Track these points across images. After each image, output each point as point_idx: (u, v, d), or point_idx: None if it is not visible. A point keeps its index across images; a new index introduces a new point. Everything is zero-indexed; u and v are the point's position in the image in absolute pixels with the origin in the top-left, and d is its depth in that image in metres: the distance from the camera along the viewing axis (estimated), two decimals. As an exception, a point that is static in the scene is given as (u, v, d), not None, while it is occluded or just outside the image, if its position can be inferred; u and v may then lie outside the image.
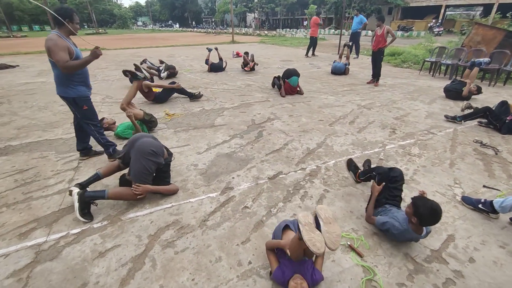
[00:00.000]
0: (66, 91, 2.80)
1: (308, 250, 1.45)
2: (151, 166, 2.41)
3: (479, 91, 5.32)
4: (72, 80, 2.76)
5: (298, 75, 5.90)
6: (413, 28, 26.46)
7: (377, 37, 6.37)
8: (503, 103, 4.06)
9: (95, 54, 2.64)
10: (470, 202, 2.39)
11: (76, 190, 2.30)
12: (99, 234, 2.13)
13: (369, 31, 24.47)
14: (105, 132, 3.40)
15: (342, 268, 1.82)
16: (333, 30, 29.50)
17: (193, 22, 54.64)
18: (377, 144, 3.59)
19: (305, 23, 39.00)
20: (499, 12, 13.87)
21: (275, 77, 6.46)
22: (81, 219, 2.22)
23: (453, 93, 5.44)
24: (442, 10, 29.78)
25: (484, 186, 2.67)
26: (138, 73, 4.04)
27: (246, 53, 8.52)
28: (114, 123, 3.93)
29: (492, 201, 2.24)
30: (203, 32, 36.93)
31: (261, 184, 2.74)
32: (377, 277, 1.75)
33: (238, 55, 12.14)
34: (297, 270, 1.63)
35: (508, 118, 3.78)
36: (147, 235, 2.11)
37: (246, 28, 39.02)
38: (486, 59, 5.54)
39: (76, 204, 2.22)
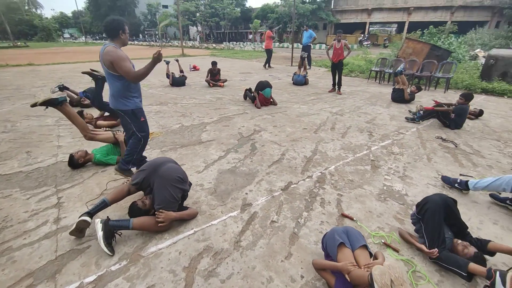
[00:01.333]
0: (125, 104, 2.72)
1: None
2: (178, 194, 2.24)
3: (419, 89, 6.28)
4: (130, 92, 2.72)
5: (270, 86, 6.10)
6: (347, 41, 29.66)
7: (336, 50, 7.02)
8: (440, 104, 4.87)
9: (157, 59, 2.52)
10: (448, 182, 2.89)
11: (97, 219, 2.05)
12: (123, 277, 1.84)
13: (321, 45, 26.63)
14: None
15: (386, 266, 1.93)
16: (277, 44, 31.24)
17: (134, 36, 51.68)
18: (363, 147, 3.92)
19: (250, 36, 40.51)
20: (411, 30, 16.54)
21: (246, 90, 6.54)
22: (106, 250, 1.96)
23: (399, 100, 6.29)
24: (367, 27, 34.29)
25: (460, 175, 3.14)
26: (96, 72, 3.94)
27: (214, 65, 8.35)
28: (86, 152, 3.44)
29: (467, 181, 2.71)
30: (145, 45, 35.25)
31: (277, 197, 2.73)
32: (418, 268, 1.90)
33: (195, 68, 11.94)
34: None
35: (452, 115, 4.54)
36: (181, 268, 1.91)
37: (191, 41, 38.59)
38: (402, 66, 6.53)
39: (100, 233, 1.96)
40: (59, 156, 3.63)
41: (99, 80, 4.27)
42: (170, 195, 2.19)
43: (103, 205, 2.21)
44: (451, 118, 4.58)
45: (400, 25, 34.08)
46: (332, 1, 34.44)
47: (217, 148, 3.88)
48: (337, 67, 7.24)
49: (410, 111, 5.27)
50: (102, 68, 2.72)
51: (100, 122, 4.53)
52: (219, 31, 51.44)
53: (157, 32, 37.31)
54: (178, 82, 8.32)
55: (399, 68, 6.33)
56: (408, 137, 4.30)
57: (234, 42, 34.07)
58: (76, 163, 3.23)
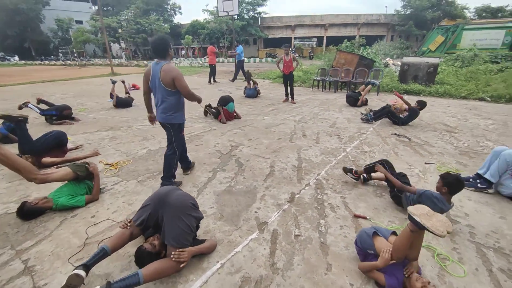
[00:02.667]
0: (175, 118, 2.95)
1: (410, 251, 1.65)
2: (193, 223, 1.96)
3: (366, 102, 7.16)
4: (180, 107, 2.98)
5: (233, 100, 6.06)
6: (277, 55, 31.88)
7: (286, 63, 7.47)
8: (385, 106, 5.66)
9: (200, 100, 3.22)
10: (471, 186, 2.99)
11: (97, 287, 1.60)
12: None
13: (254, 59, 27.73)
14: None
15: (414, 255, 2.09)
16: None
17: (43, 55, 44.59)
18: (339, 149, 4.22)
19: (182, 52, 39.71)
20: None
21: (206, 106, 6.35)
22: None
23: (352, 99, 7.08)
24: (293, 41, 37.57)
25: (425, 163, 3.66)
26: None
27: None
28: (46, 198, 2.76)
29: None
30: (60, 65, 30.81)
31: (287, 210, 2.69)
32: (438, 251, 2.12)
33: (135, 87, 11.00)
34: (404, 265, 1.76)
35: (404, 114, 5.31)
36: (227, 309, 1.68)
37: (116, 59, 35.55)
38: (377, 81, 7.55)
39: None
40: None
41: (20, 123, 3.60)
42: (186, 226, 1.91)
43: (103, 253, 1.80)
44: (400, 116, 5.33)
45: (320, 39, 38.45)
46: (259, 18, 36.66)
47: (201, 169, 3.62)
48: (288, 78, 7.68)
49: (362, 113, 5.92)
50: (153, 83, 2.82)
51: (46, 160, 3.72)
52: (147, 47, 48.93)
53: (74, 50, 33.11)
54: (123, 103, 7.52)
55: (374, 81, 7.24)
56: (370, 136, 4.82)
57: (167, 59, 32.84)
58: (31, 212, 2.57)
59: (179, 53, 45.35)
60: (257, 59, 28.33)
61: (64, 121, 5.95)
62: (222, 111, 5.85)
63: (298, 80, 11.71)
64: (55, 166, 3.32)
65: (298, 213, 2.64)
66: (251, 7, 35.12)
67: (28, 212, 2.54)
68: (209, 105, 6.36)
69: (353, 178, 3.16)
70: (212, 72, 11.93)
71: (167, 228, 1.89)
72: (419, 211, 1.63)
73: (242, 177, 3.38)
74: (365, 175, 3.12)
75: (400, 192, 2.62)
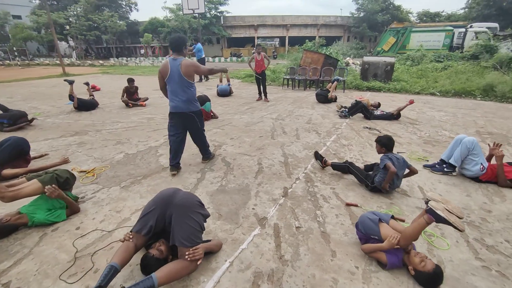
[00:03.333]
0: (196, 106, 3.34)
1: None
2: (201, 221, 1.93)
3: (336, 99, 7.55)
4: (195, 97, 3.36)
5: (210, 100, 5.96)
6: (242, 54, 31.97)
7: (258, 62, 7.55)
8: (358, 102, 6.07)
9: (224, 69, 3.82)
10: (438, 170, 3.39)
11: None
12: None
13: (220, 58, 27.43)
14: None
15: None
16: (175, 58, 30.34)
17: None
18: (319, 144, 4.41)
19: (142, 51, 37.68)
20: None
21: (181, 106, 6.15)
22: None
23: (322, 96, 7.42)
24: (256, 40, 37.92)
25: (397, 153, 4.00)
26: None
27: (130, 82, 7.36)
28: (19, 213, 2.45)
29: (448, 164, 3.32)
30: (-4, 65, 27.08)
31: (284, 204, 2.76)
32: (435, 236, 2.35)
33: (95, 88, 10.20)
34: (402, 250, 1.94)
35: (379, 112, 5.73)
36: (245, 305, 1.69)
37: (67, 58, 32.40)
38: (341, 78, 7.96)
39: None
40: (-41, 227, 2.44)
41: None
42: (196, 224, 1.87)
43: (113, 271, 1.66)
44: (371, 112, 5.75)
45: (282, 39, 39.42)
46: (222, 17, 36.35)
47: (188, 170, 3.52)
48: (260, 77, 7.78)
49: (337, 110, 6.24)
50: (172, 77, 3.10)
51: (6, 172, 3.29)
52: (100, 46, 45.48)
53: (14, 49, 29.33)
54: (86, 105, 6.93)
55: (338, 77, 7.60)
56: (345, 130, 5.12)
57: (125, 58, 30.92)
58: (3, 230, 2.27)
59: (137, 52, 42.97)
60: (222, 59, 28.09)
61: (19, 126, 5.30)
62: (199, 111, 5.71)
63: (267, 79, 11.90)
64: (20, 177, 2.97)
65: (294, 206, 2.72)
66: (213, 6, 34.66)
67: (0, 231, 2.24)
68: (184, 105, 6.17)
69: (320, 165, 3.48)
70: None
71: (177, 229, 1.82)
72: (440, 205, 1.72)
73: (232, 175, 3.37)
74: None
75: (373, 183, 2.90)
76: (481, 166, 3.13)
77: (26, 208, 2.46)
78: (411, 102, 5.46)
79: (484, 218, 2.51)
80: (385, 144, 2.99)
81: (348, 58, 16.57)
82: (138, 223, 1.92)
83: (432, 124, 5.44)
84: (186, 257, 1.76)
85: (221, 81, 9.02)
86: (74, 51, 37.72)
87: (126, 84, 7.37)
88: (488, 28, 16.71)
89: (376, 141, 3.06)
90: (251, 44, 38.77)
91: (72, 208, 2.58)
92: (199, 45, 11.79)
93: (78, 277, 1.90)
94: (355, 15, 36.18)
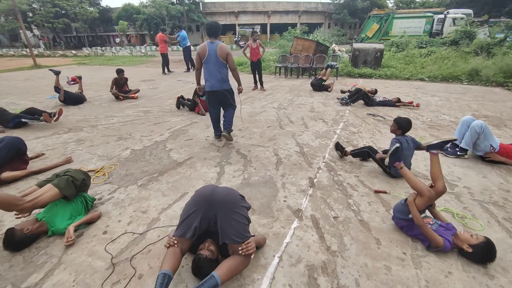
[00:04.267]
0: (228, 85, 3.83)
1: (438, 182, 2.05)
2: (247, 214, 1.88)
3: (331, 87, 7.56)
4: (228, 77, 3.80)
5: (209, 90, 5.74)
6: (224, 42, 31.05)
7: (253, 50, 7.35)
8: (358, 89, 6.12)
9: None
10: (451, 154, 3.52)
11: None
12: None
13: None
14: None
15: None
16: (154, 47, 28.99)
17: None
18: (330, 132, 4.41)
19: (117, 40, 35.60)
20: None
21: (178, 98, 5.90)
22: None
23: (317, 86, 7.40)
24: (237, 28, 37.04)
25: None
26: None
27: (120, 73, 6.88)
28: (37, 220, 2.22)
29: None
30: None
31: (314, 194, 2.74)
32: (456, 211, 2.44)
33: (75, 81, 9.50)
34: (446, 228, 2.01)
35: (381, 98, 5.80)
36: (308, 300, 1.66)
37: (34, 49, 29.88)
38: (334, 63, 7.93)
39: None
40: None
41: None
42: (243, 217, 1.81)
43: (167, 279, 1.55)
44: (372, 99, 5.81)
45: (263, 26, 38.75)
46: (201, 4, 34.99)
47: (205, 165, 3.39)
48: (256, 66, 7.61)
49: (338, 98, 6.25)
50: (209, 59, 3.63)
51: (6, 175, 2.99)
52: (69, 34, 42.40)
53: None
54: (74, 98, 6.45)
55: (332, 63, 7.51)
56: (350, 118, 5.15)
57: (99, 47, 29.05)
58: (25, 240, 2.08)
59: (111, 41, 40.57)
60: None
61: None
62: (200, 102, 5.51)
63: (257, 68, 11.70)
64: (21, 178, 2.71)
65: (325, 196, 2.71)
66: (192, -9, 33.23)
67: (21, 242, 2.04)
68: (182, 97, 5.93)
69: (340, 155, 3.47)
70: (165, 62, 11.03)
71: (226, 227, 1.74)
72: (431, 139, 2.28)
73: (252, 168, 3.29)
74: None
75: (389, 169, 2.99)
76: (491, 147, 3.27)
77: (41, 214, 2.25)
78: (414, 104, 5.71)
79: (505, 198, 2.64)
80: (402, 126, 2.97)
81: (334, 45, 16.63)
82: (180, 227, 1.80)
83: (430, 109, 5.62)
84: (240, 252, 1.70)
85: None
86: (40, 41, 34.96)
87: (115, 76, 6.89)
88: (463, 14, 17.36)
89: (396, 121, 2.97)
90: (232, 32, 37.82)
91: (92, 216, 2.39)
92: (183, 32, 11.24)
93: (123, 285, 1.78)
94: (335, 2, 36.18)
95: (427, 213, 2.19)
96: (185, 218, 1.80)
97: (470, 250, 1.84)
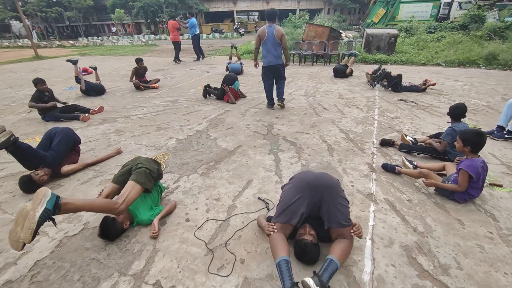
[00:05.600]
0: (281, 60, 4.65)
1: None
2: (346, 197, 1.91)
3: (352, 73, 7.52)
4: (281, 54, 4.63)
5: (237, 79, 5.68)
6: (224, 30, 30.49)
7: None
8: (380, 67, 6.11)
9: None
10: (498, 136, 3.54)
11: (309, 281, 1.43)
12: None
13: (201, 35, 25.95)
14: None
15: (510, 199, 2.43)
16: (153, 36, 28.30)
17: None
18: (368, 118, 4.43)
19: (113, 29, 34.62)
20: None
21: (205, 86, 5.83)
22: None
23: (341, 72, 7.36)
24: (235, 15, 36.22)
25: (448, 122, 4.14)
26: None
27: (139, 62, 6.73)
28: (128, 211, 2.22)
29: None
30: None
31: (379, 179, 2.77)
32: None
33: (87, 71, 9.32)
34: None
35: (408, 83, 5.81)
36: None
37: (23, 40, 28.90)
38: (357, 52, 7.89)
39: None
40: (56, 238, 2.21)
41: (16, 142, 2.64)
42: (346, 201, 1.87)
43: (289, 264, 1.58)
44: (400, 84, 5.80)
45: (261, 13, 37.92)
46: (198, -10, 33.97)
47: (257, 152, 3.40)
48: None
49: (369, 81, 6.25)
50: (268, 39, 4.48)
51: (66, 169, 2.97)
52: (61, 24, 41.07)
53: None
54: (96, 88, 6.35)
55: (355, 51, 7.51)
56: (382, 103, 5.16)
57: (95, 37, 28.26)
58: (119, 229, 2.08)
59: (106, 30, 39.45)
60: (204, 35, 26.61)
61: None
62: (229, 90, 5.45)
63: (268, 55, 11.53)
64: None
65: (390, 180, 2.75)
66: (188, -23, 32.15)
67: (116, 231, 2.05)
68: (208, 86, 5.85)
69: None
70: (178, 50, 10.80)
71: (332, 212, 1.77)
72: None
73: (306, 154, 3.31)
74: (412, 139, 3.40)
75: (443, 155, 3.03)
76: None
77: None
78: (433, 84, 5.71)
79: None
80: (454, 114, 3.08)
81: (341, 31, 16.41)
82: (284, 214, 1.84)
83: (458, 93, 5.65)
84: (352, 234, 1.76)
85: (230, 58, 8.59)
86: (33, 31, 33.83)
87: (123, 65, 6.79)
88: (469, -2, 17.17)
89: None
90: (230, 19, 37.00)
91: (170, 207, 2.39)
92: (193, 19, 10.90)
93: (228, 269, 1.81)
94: (335, -14, 35.40)
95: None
96: (289, 205, 1.83)
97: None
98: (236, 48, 8.57)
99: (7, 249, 2.03)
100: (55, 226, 1.73)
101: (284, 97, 5.66)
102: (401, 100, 5.30)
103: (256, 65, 5.12)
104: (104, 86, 6.70)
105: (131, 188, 2.12)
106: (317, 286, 1.43)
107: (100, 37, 26.53)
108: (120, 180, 2.27)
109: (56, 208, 1.63)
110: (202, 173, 2.99)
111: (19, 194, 2.71)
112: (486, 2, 16.16)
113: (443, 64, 8.70)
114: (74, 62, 6.25)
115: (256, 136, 3.87)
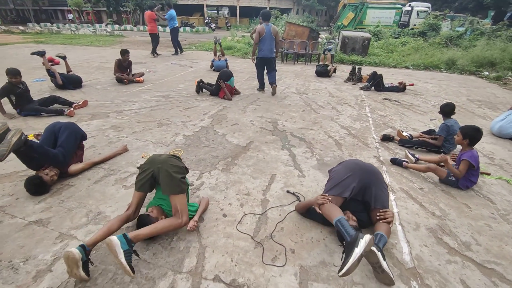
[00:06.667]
0: (274, 53, 5.59)
1: None
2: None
3: (335, 71, 7.90)
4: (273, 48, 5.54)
5: (233, 75, 5.65)
6: (194, 24, 29.59)
7: (263, 34, 7.30)
8: (375, 72, 6.56)
9: None
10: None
11: (364, 239, 1.54)
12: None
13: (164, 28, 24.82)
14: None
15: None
16: (117, 26, 26.38)
17: None
18: (363, 116, 4.75)
19: (70, 16, 31.51)
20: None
21: (198, 82, 5.70)
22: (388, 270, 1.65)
23: (323, 73, 7.69)
24: (205, 9, 35.36)
25: (431, 120, 4.63)
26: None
27: (125, 54, 6.28)
28: (160, 209, 2.12)
29: None
30: None
31: (389, 171, 3.04)
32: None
33: (53, 62, 8.43)
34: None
35: (389, 84, 6.27)
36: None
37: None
38: (331, 46, 8.22)
39: (383, 262, 1.63)
40: (83, 233, 2.05)
41: (27, 142, 2.35)
42: (387, 186, 2.15)
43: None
44: (384, 85, 6.28)
45: (232, 9, 37.58)
46: (166, -20, 32.39)
47: (271, 148, 3.48)
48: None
49: (361, 88, 6.61)
50: (266, 36, 5.37)
51: (74, 169, 2.74)
52: (4, 7, 36.25)
53: None
54: (74, 80, 5.82)
55: (329, 47, 7.66)
56: (370, 102, 5.56)
57: (49, 24, 25.47)
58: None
59: (60, 17, 35.80)
60: (166, 29, 25.53)
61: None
62: (225, 86, 5.40)
63: (248, 53, 11.55)
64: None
65: (399, 171, 3.03)
66: (154, -34, 30.46)
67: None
68: (201, 81, 5.73)
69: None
70: (155, 43, 10.29)
71: (380, 194, 2.02)
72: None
73: (318, 149, 3.48)
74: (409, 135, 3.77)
75: (438, 148, 3.42)
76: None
77: (157, 202, 2.15)
78: (411, 84, 6.37)
79: (535, 166, 3.24)
80: (445, 111, 3.48)
81: (319, 32, 17.01)
82: (337, 187, 2.04)
83: (431, 94, 6.30)
84: (383, 216, 1.96)
85: (215, 54, 8.44)
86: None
87: (91, 56, 6.37)
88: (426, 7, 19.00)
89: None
90: (199, 13, 36.04)
91: (205, 205, 2.34)
92: (172, 11, 10.47)
93: (282, 259, 1.88)
94: (304, -13, 36.45)
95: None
96: (342, 180, 2.05)
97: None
98: (220, 44, 8.45)
99: (33, 255, 1.85)
100: (139, 257, 1.79)
101: (276, 94, 5.83)
102: (386, 99, 5.75)
103: (253, 60, 5.73)
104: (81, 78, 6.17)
105: (178, 201, 1.99)
106: (375, 243, 1.64)
107: (55, 24, 23.95)
108: (145, 188, 2.10)
109: (129, 244, 1.66)
110: (222, 169, 2.98)
111: (22, 196, 2.45)
112: (441, 13, 18.04)
113: (410, 67, 9.57)
114: (42, 54, 5.56)
115: (264, 132, 3.93)
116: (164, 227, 1.89)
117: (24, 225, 2.12)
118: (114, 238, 1.61)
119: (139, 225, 1.91)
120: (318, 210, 1.96)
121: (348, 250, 1.54)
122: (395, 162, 3.14)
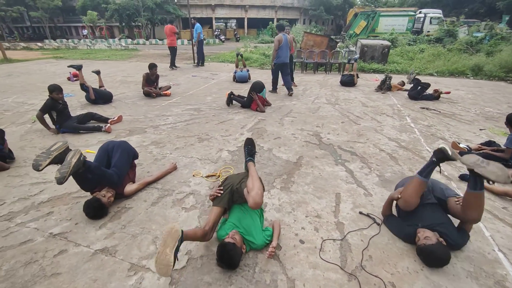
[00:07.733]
0: (290, 58, 6.72)
1: None
2: None
3: (356, 81, 7.75)
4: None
5: (265, 87, 5.55)
6: (204, 36, 30.05)
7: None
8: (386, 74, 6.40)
9: None
10: None
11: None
12: None
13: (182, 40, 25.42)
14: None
15: None
16: (130, 40, 26.98)
17: None
18: (405, 126, 4.54)
19: (84, 32, 32.45)
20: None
21: (229, 94, 5.61)
22: None
23: (348, 83, 7.54)
24: (214, 22, 36.03)
25: (480, 129, 4.40)
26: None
27: (153, 68, 6.26)
28: (239, 234, 1.96)
29: None
30: None
31: (460, 187, 2.82)
32: None
33: (76, 77, 8.53)
34: None
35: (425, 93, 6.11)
36: None
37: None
38: (356, 56, 8.11)
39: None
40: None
41: (86, 162, 2.23)
42: None
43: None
44: (422, 92, 6.11)
45: (240, 20, 38.21)
46: (176, -5, 33.31)
47: (324, 164, 3.30)
48: (289, 61, 7.49)
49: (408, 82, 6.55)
50: (284, 43, 6.14)
51: (129, 190, 2.61)
52: (21, 25, 37.68)
53: None
54: (105, 96, 5.81)
55: (355, 56, 7.55)
56: (409, 112, 5.35)
57: (65, 40, 26.24)
58: (238, 254, 1.83)
59: (74, 33, 36.96)
60: (185, 41, 26.02)
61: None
62: (257, 98, 5.29)
63: (266, 63, 11.54)
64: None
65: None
66: (166, -18, 31.39)
67: (235, 257, 1.79)
68: (232, 93, 5.64)
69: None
70: (174, 56, 10.37)
71: (444, 186, 2.28)
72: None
73: (374, 164, 3.28)
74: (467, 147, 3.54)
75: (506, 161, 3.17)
76: None
77: (233, 227, 1.98)
78: (447, 92, 6.18)
79: None
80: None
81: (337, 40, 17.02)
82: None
83: (469, 102, 6.06)
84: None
85: (237, 66, 8.41)
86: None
87: (155, 70, 6.28)
88: (439, 14, 18.90)
89: (508, 116, 3.11)
90: (208, 26, 36.69)
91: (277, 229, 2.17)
92: (198, 25, 10.73)
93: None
94: (311, -2, 36.94)
95: None
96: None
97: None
98: (241, 55, 8.44)
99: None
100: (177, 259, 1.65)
101: (308, 105, 5.69)
102: (423, 108, 5.54)
103: (273, 66, 6.46)
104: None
105: (214, 211, 2.06)
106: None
107: (70, 40, 24.66)
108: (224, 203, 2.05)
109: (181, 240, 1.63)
110: (281, 187, 2.80)
111: (81, 221, 2.31)
112: (453, 19, 17.88)
113: (435, 74, 9.36)
114: (79, 68, 5.66)
115: (311, 146, 3.76)
116: (194, 237, 1.85)
117: (90, 255, 1.97)
118: (176, 226, 1.60)
119: (226, 256, 1.75)
120: (398, 196, 2.09)
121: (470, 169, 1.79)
122: (465, 179, 2.91)
